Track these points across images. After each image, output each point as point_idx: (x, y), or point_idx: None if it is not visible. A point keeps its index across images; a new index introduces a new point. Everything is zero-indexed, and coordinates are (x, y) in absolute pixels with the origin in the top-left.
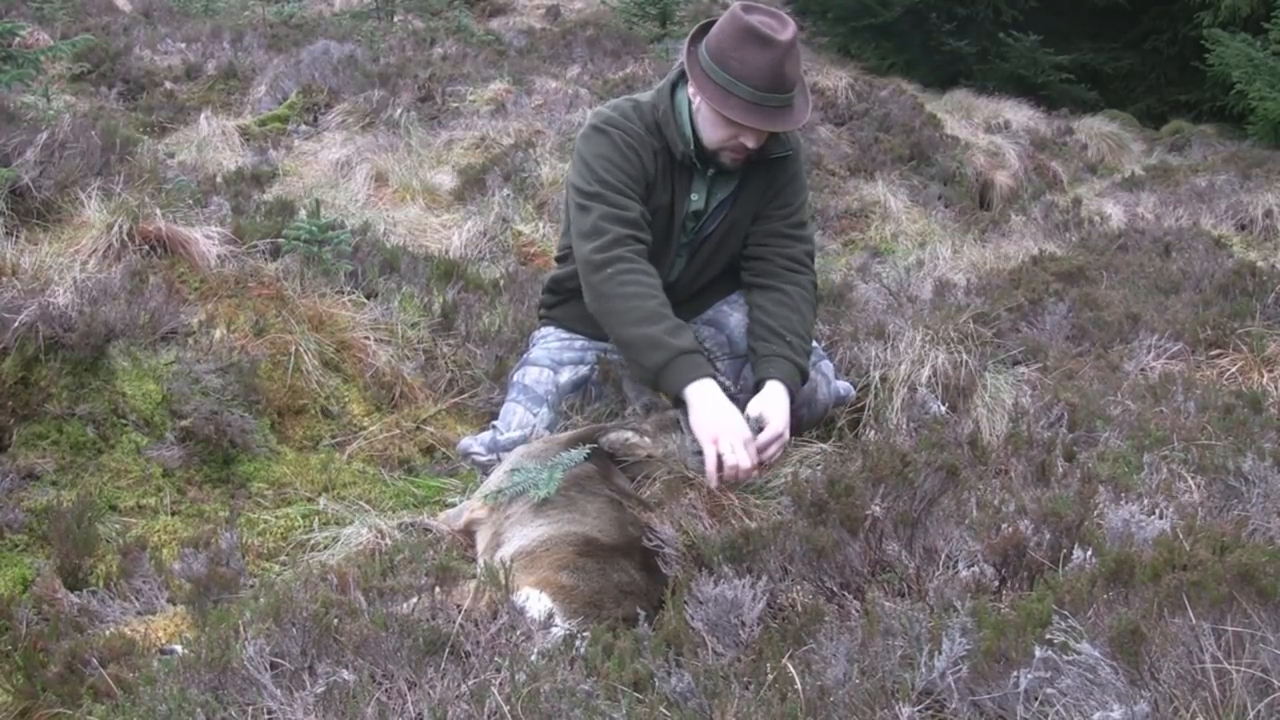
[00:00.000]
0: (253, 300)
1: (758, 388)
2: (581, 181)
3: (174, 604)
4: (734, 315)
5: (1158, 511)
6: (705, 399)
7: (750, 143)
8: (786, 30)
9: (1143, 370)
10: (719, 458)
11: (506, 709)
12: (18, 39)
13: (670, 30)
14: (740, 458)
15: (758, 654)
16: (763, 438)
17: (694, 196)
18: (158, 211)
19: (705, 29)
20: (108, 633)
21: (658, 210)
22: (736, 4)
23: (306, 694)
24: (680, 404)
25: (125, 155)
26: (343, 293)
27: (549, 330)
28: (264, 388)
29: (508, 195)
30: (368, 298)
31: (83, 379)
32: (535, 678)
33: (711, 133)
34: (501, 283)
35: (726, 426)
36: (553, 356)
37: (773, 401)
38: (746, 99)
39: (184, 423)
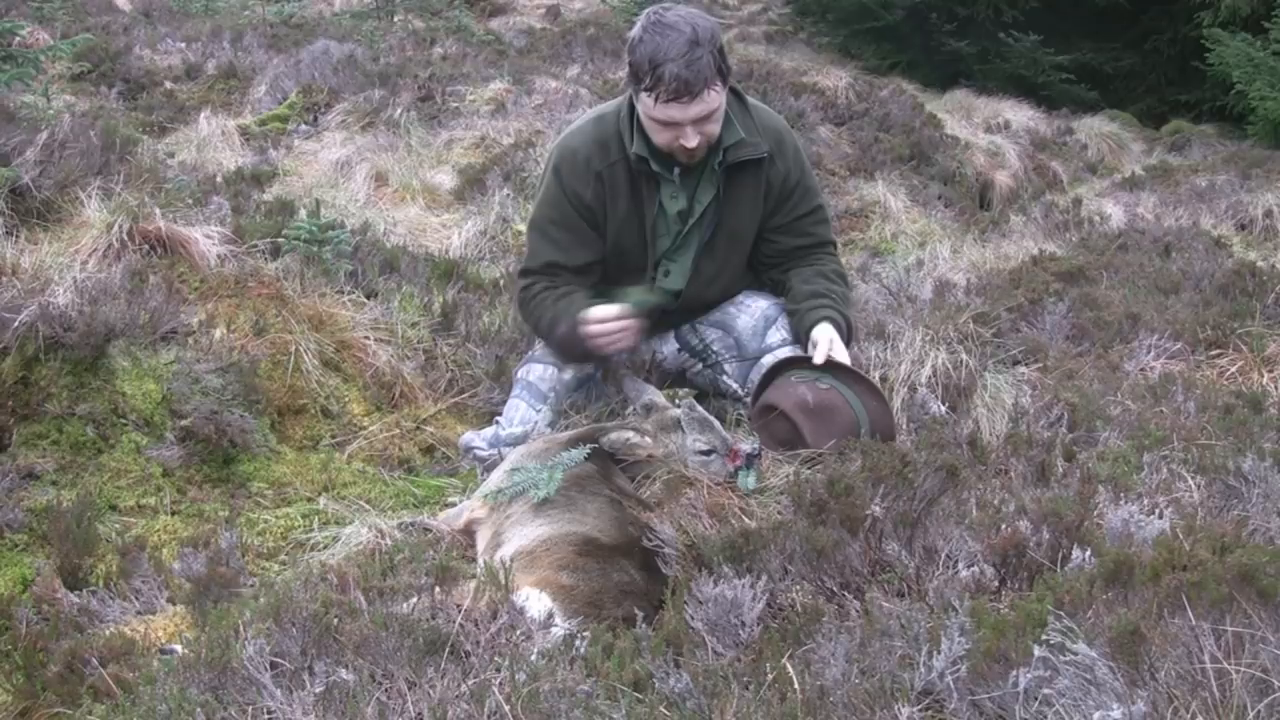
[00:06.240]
0: (253, 300)
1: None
2: (534, 215)
3: (174, 604)
4: (741, 317)
5: (1157, 511)
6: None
7: (689, 142)
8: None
9: (1143, 370)
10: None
11: (506, 709)
12: (18, 39)
13: None
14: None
15: (757, 654)
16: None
17: (672, 198)
18: (157, 211)
19: None
20: (108, 633)
21: (625, 221)
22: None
23: (306, 694)
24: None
25: (125, 155)
26: (343, 293)
27: None
28: (264, 388)
29: (508, 195)
30: (368, 297)
31: (83, 379)
32: (535, 677)
33: (655, 137)
34: (501, 283)
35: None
36: None
37: (822, 333)
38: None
39: (184, 422)
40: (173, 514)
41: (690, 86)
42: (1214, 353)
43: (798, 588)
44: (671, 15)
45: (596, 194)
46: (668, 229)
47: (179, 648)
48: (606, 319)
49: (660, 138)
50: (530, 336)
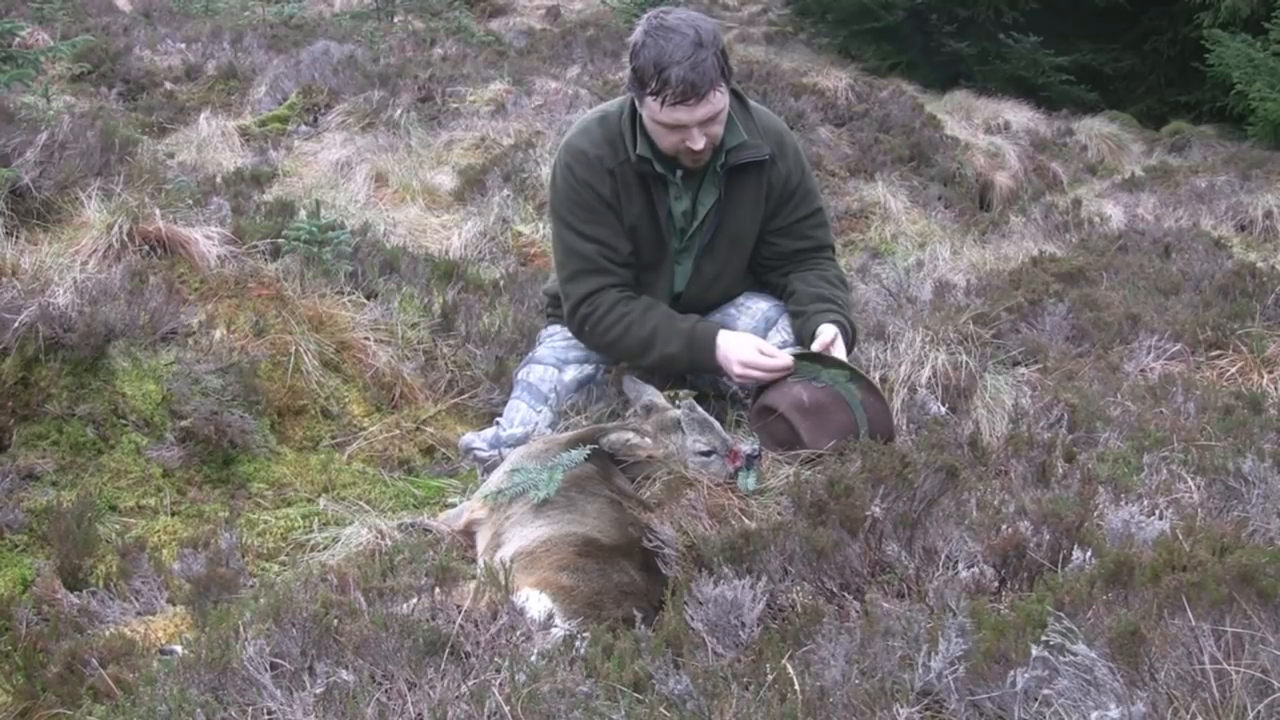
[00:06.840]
0: (253, 300)
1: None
2: (557, 223)
3: (174, 604)
4: (741, 319)
5: (1157, 512)
6: (731, 335)
7: (695, 144)
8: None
9: (1143, 371)
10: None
11: (506, 709)
12: (18, 39)
13: None
14: (779, 357)
15: (757, 655)
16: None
17: (677, 199)
18: (157, 212)
19: None
20: (108, 633)
21: (639, 220)
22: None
23: (306, 694)
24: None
25: (125, 155)
26: (343, 293)
27: (555, 329)
28: (264, 388)
29: (508, 196)
30: (368, 298)
31: (83, 379)
32: (535, 678)
33: (660, 141)
34: (501, 283)
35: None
36: (558, 355)
37: (825, 331)
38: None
39: (184, 423)
40: (173, 514)
41: (696, 88)
42: (1214, 353)
43: (798, 588)
44: (672, 18)
45: (613, 190)
46: (674, 230)
47: (179, 648)
48: (771, 366)
49: (666, 141)
50: (535, 335)
